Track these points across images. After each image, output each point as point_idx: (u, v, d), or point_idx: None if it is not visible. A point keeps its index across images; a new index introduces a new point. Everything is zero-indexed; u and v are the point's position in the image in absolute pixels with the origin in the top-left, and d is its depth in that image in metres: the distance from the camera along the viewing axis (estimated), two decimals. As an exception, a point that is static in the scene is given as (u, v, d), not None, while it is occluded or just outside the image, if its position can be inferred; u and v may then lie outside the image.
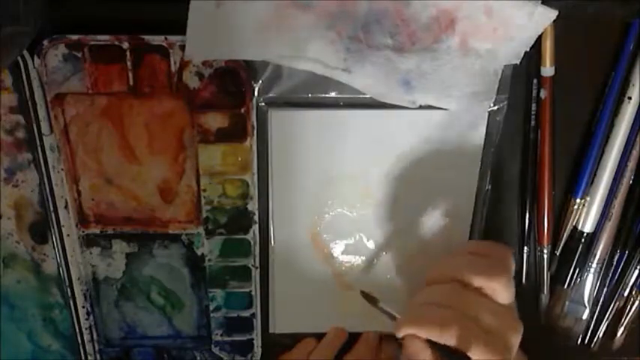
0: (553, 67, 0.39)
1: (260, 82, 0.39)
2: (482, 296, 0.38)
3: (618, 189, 0.43)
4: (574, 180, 0.43)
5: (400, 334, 0.38)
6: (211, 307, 0.46)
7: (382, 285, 0.47)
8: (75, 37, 0.37)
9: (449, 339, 0.36)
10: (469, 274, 0.38)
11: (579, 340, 0.49)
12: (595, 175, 0.43)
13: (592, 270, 0.46)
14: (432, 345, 0.37)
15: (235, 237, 0.44)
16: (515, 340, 0.38)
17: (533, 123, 0.41)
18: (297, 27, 0.36)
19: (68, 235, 0.43)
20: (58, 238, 0.43)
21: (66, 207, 0.42)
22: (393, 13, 0.36)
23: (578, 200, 0.43)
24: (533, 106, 0.41)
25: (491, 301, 0.38)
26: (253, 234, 0.44)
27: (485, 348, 0.35)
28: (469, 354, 0.35)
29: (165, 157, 0.42)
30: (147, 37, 0.37)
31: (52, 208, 0.42)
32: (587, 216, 0.44)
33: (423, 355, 0.37)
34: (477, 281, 0.38)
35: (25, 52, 0.37)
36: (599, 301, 0.47)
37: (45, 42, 0.37)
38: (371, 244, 0.46)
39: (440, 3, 0.36)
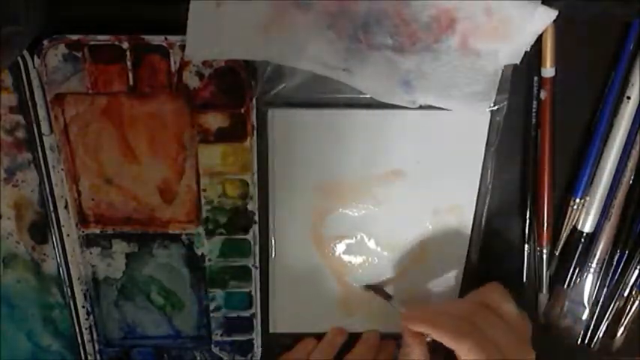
0: (553, 68, 0.39)
1: (260, 82, 0.39)
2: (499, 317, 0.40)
3: (618, 189, 0.43)
4: (574, 180, 0.43)
5: (413, 328, 0.40)
6: (211, 307, 0.46)
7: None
8: (75, 37, 0.37)
9: (459, 348, 0.37)
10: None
11: (579, 340, 0.49)
12: (595, 175, 0.43)
13: (592, 270, 0.46)
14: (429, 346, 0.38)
15: (235, 237, 0.44)
16: None
17: (533, 123, 0.41)
18: (297, 27, 0.36)
19: (68, 235, 0.43)
20: (58, 238, 0.43)
21: (66, 207, 0.42)
22: (393, 13, 0.36)
23: (577, 200, 0.43)
24: (534, 106, 0.41)
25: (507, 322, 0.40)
26: (253, 234, 0.44)
27: None
28: None
29: (165, 157, 0.42)
30: (147, 37, 0.37)
31: (52, 208, 0.42)
32: (586, 216, 0.44)
33: (420, 353, 0.40)
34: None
35: (25, 52, 0.37)
36: (599, 301, 0.47)
37: (45, 42, 0.37)
38: (372, 244, 0.46)
39: (440, 3, 0.35)
